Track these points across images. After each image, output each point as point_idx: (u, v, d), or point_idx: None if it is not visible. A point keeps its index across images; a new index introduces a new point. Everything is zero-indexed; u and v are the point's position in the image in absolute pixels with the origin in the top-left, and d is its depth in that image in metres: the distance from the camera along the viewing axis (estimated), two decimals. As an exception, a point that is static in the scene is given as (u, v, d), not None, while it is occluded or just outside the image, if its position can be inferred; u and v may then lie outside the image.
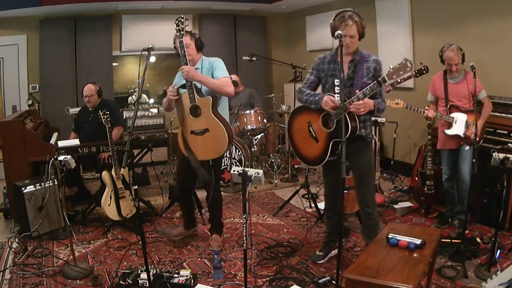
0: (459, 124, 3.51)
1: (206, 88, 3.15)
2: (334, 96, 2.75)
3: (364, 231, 3.07)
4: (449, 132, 3.57)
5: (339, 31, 2.50)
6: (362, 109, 2.65)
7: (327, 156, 2.84)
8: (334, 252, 3.19)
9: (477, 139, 3.43)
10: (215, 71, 3.21)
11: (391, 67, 2.53)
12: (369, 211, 2.94)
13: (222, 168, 5.20)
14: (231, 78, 5.72)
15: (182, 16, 3.00)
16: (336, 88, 2.81)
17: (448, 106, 3.59)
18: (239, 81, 5.80)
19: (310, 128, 2.95)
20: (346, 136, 2.47)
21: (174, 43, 3.14)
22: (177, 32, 3.01)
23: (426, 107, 3.66)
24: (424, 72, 3.33)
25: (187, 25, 3.03)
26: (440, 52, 3.57)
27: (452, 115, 3.55)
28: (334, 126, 2.80)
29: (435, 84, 3.72)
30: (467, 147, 3.51)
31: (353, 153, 2.81)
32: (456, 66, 3.50)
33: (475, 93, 3.27)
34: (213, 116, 3.10)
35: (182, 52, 3.03)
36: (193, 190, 3.75)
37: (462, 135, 3.50)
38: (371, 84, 2.62)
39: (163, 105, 3.38)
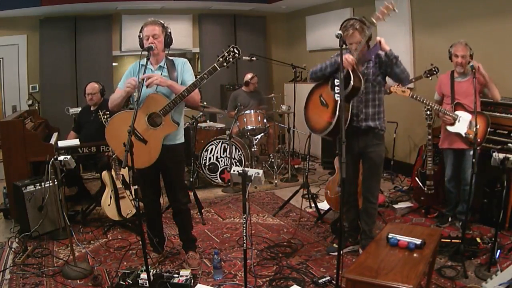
0: (463, 123, 3.49)
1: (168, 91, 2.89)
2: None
3: (364, 219, 3.21)
4: (451, 129, 3.55)
5: (339, 32, 2.52)
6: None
7: (336, 116, 2.87)
8: (349, 248, 3.30)
9: (478, 140, 3.43)
10: (185, 74, 2.99)
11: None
12: (373, 201, 3.15)
13: (222, 168, 5.21)
14: (244, 81, 5.72)
15: (237, 49, 2.78)
16: (336, 88, 2.85)
17: (454, 104, 3.57)
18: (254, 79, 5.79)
19: (321, 97, 3.08)
20: (347, 90, 2.75)
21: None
22: (226, 58, 2.78)
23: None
24: (435, 72, 3.30)
25: (238, 58, 2.82)
26: (449, 48, 3.56)
27: (456, 112, 3.54)
28: None
29: (442, 83, 3.70)
30: (472, 151, 3.46)
31: (367, 146, 3.04)
32: (463, 59, 3.46)
33: (476, 96, 3.26)
34: (162, 142, 2.89)
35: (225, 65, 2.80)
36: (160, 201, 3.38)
37: (464, 135, 3.49)
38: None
39: (112, 99, 2.98)
